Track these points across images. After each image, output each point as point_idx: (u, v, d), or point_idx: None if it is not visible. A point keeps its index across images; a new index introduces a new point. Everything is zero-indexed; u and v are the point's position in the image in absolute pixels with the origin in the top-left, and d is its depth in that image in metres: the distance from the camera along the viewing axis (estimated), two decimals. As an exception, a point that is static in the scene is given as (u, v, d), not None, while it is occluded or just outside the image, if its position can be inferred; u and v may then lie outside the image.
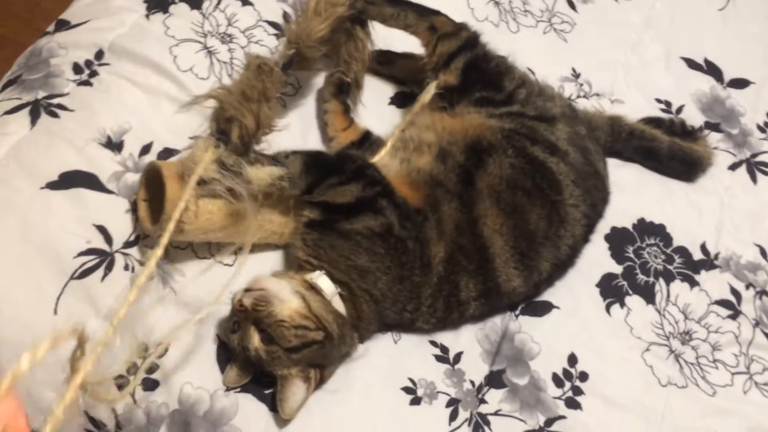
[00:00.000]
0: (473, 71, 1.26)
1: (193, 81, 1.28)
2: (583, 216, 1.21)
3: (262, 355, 1.00)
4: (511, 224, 1.14)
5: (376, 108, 1.38)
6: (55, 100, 1.22)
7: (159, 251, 0.95)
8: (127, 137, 1.21)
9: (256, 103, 1.12)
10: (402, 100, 1.40)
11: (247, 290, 1.03)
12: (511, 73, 1.32)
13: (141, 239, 1.13)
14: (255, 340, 1.00)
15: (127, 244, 1.12)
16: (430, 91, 1.25)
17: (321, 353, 1.03)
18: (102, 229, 1.11)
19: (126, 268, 1.10)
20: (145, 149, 1.21)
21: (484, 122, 1.23)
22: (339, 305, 1.07)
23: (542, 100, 1.30)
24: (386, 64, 1.41)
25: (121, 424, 1.01)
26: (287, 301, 1.02)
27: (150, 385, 1.03)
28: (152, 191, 1.08)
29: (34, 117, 1.19)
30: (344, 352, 1.08)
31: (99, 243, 1.10)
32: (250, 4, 1.40)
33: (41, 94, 1.22)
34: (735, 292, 1.31)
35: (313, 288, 1.06)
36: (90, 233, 1.10)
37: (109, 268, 1.09)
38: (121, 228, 1.13)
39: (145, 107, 1.25)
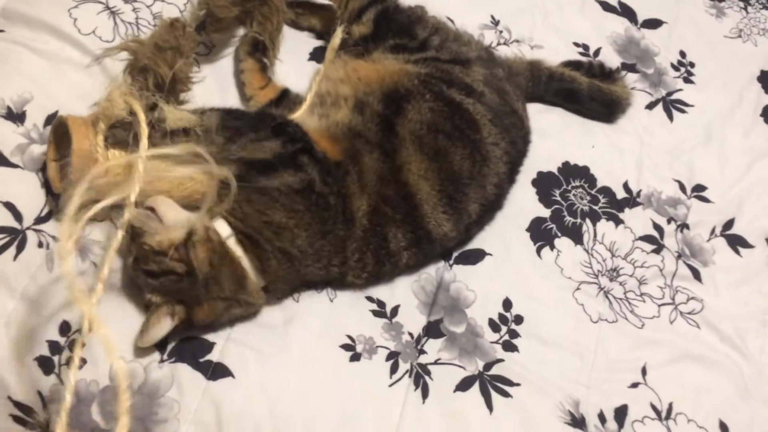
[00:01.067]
0: (384, 21, 1.27)
1: (97, 44, 1.21)
2: (504, 153, 1.21)
3: (130, 271, 0.99)
4: (436, 167, 1.13)
5: (295, 64, 1.35)
6: (-53, 72, 1.13)
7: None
8: (29, 107, 1.13)
9: (170, 53, 1.09)
10: (321, 55, 1.36)
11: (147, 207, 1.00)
12: (423, 21, 1.32)
13: (54, 214, 1.06)
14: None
15: (39, 220, 1.05)
16: (338, 35, 1.26)
17: (184, 292, 0.99)
18: (10, 206, 1.04)
19: (40, 245, 1.04)
20: (51, 119, 1.13)
21: (400, 68, 1.22)
22: (237, 251, 1.02)
23: (457, 45, 1.30)
24: (304, 15, 1.38)
25: (48, 406, 0.96)
26: (166, 228, 0.99)
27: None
28: (62, 149, 1.02)
29: (-75, 91, 1.10)
30: (233, 300, 1.03)
31: (8, 221, 1.04)
32: (154, -41, 1.32)
33: (-68, 66, 1.13)
34: (657, 227, 1.35)
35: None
36: (-3, 210, 1.04)
37: (21, 246, 1.03)
38: (31, 204, 1.06)
39: (47, 75, 1.17)
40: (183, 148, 1.01)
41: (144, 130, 0.98)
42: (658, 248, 1.33)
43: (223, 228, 1.03)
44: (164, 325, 0.98)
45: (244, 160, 1.05)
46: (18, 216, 1.04)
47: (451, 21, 1.45)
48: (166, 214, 1.00)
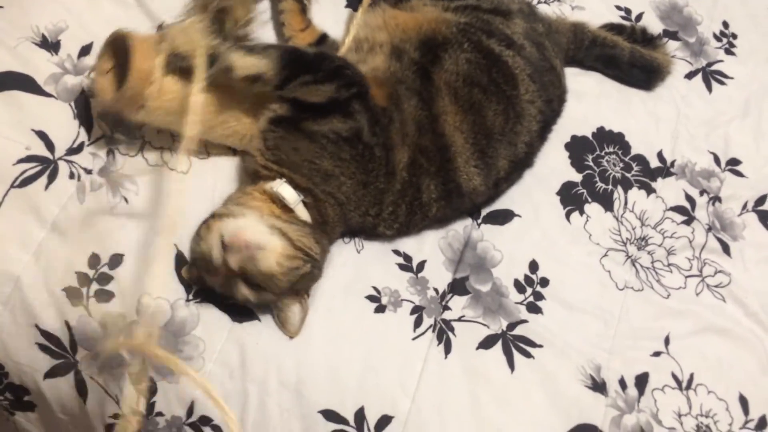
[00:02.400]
0: None
1: (134, -24, 1.19)
2: (538, 112, 1.19)
3: (252, 299, 0.98)
4: (470, 120, 1.11)
5: (332, 11, 1.32)
6: (-19, -4, 1.11)
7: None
8: (63, 37, 1.12)
9: None
10: (357, 3, 1.33)
11: (225, 246, 0.94)
12: None
13: (86, 146, 1.06)
14: (243, 290, 0.97)
15: (71, 151, 1.05)
16: None
17: (310, 278, 1.03)
18: (42, 135, 1.04)
19: (71, 176, 1.03)
20: (85, 50, 1.12)
21: (438, 16, 1.19)
22: (303, 213, 1.03)
23: None
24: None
25: (75, 337, 0.97)
26: (271, 248, 0.96)
27: (104, 296, 0.99)
28: (116, 63, 1.00)
29: (-43, 14, 1.09)
30: (323, 260, 1.06)
31: (40, 150, 1.03)
32: None
33: (-36, -11, 1.11)
34: (689, 198, 1.33)
35: (277, 201, 1.02)
36: (29, 139, 1.03)
37: (53, 176, 1.02)
38: (64, 134, 1.05)
39: (82, 5, 1.16)
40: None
41: (199, 79, 0.95)
42: (689, 220, 1.31)
43: (289, 193, 1.01)
44: (298, 311, 1.02)
45: (298, 100, 1.03)
46: (50, 145, 1.04)
47: (492, -24, 1.41)
48: (257, 235, 0.96)
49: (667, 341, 1.18)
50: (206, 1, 1.02)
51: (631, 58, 1.39)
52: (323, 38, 1.24)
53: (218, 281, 0.97)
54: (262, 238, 0.96)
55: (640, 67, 1.40)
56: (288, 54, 1.03)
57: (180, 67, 0.97)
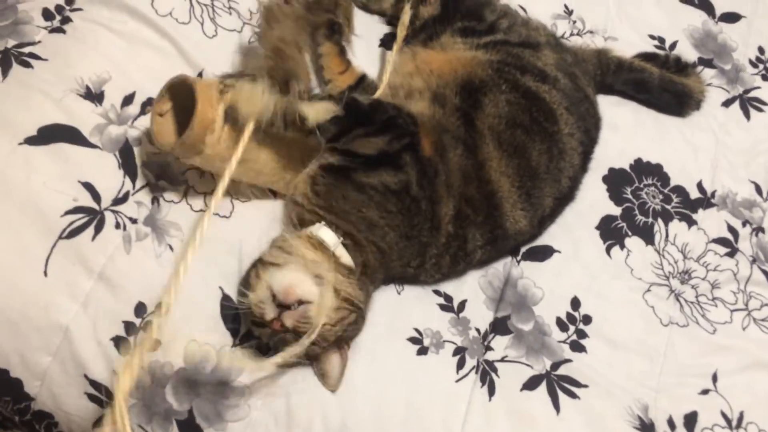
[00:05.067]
0: (452, 2, 1.26)
1: (174, 26, 1.21)
2: (579, 144, 1.19)
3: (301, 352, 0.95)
4: (515, 164, 1.11)
5: (366, 51, 1.33)
6: (27, 49, 1.14)
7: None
8: (107, 87, 1.14)
9: (304, 55, 1.09)
10: (391, 42, 1.34)
11: (278, 303, 0.95)
12: (491, 5, 1.30)
13: (131, 195, 1.07)
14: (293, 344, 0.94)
15: (117, 201, 1.06)
16: (407, 12, 1.23)
17: (354, 328, 1.02)
18: (89, 186, 1.05)
19: (117, 226, 1.05)
20: (128, 100, 1.14)
21: (472, 57, 1.19)
22: (346, 258, 1.02)
23: (526, 29, 1.28)
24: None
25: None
26: (322, 303, 0.95)
27: (151, 345, 0.99)
28: (176, 107, 1.02)
29: (5, 67, 1.11)
30: (367, 308, 1.06)
31: (86, 201, 1.05)
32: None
33: (11, 43, 1.14)
34: (732, 229, 1.31)
35: (319, 247, 1.01)
36: (76, 190, 1.05)
37: (99, 227, 1.04)
38: (109, 184, 1.07)
39: (125, 55, 1.18)
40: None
41: (246, 139, 0.97)
42: (732, 252, 1.29)
43: (329, 236, 1.01)
44: (337, 364, 1.01)
45: (349, 151, 1.03)
46: (96, 196, 1.05)
47: (524, 10, 1.42)
48: (307, 291, 0.96)
49: (714, 378, 1.16)
50: (280, 73, 1.02)
51: (661, 83, 1.38)
52: (362, 79, 1.25)
53: (266, 333, 0.97)
54: (312, 291, 0.96)
55: (671, 91, 1.39)
56: (346, 104, 1.02)
57: (233, 119, 0.98)
